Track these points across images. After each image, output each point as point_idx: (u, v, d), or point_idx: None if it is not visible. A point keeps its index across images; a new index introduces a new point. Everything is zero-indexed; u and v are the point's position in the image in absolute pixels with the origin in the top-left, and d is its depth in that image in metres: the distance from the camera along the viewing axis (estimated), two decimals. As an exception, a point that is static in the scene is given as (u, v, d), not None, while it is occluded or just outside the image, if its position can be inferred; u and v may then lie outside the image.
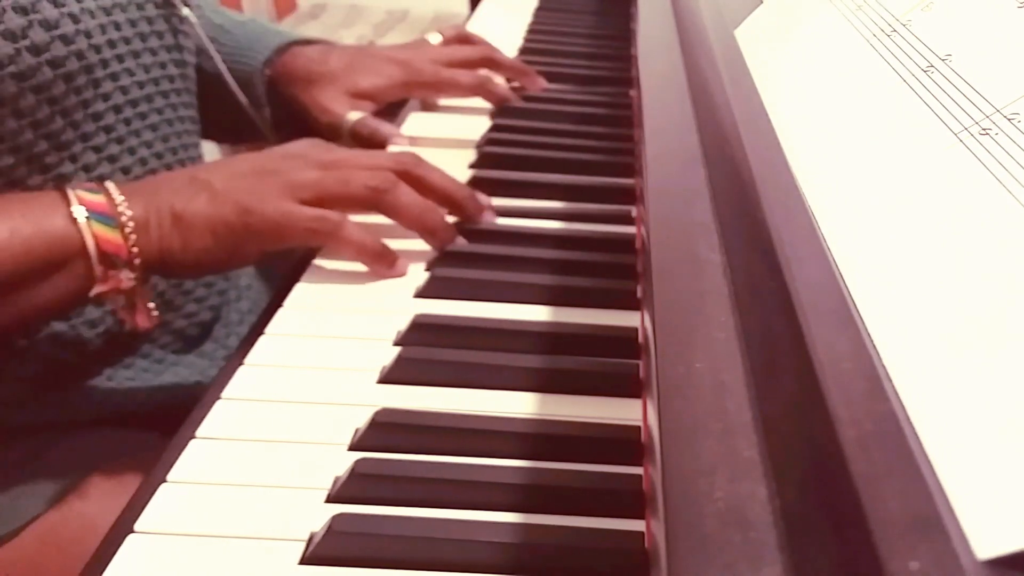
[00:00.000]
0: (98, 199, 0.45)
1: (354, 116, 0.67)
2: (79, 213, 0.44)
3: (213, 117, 0.68)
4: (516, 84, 0.78)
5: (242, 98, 0.68)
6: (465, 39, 0.77)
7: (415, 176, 0.52)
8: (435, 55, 0.72)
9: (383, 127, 0.67)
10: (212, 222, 0.46)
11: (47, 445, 0.55)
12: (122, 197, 0.45)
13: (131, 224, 0.45)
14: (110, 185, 0.46)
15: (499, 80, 0.76)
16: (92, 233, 0.44)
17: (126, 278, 0.45)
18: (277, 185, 0.48)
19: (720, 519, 0.22)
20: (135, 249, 0.45)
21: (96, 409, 0.56)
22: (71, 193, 0.44)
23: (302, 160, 0.50)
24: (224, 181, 0.48)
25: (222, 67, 0.65)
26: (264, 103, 0.70)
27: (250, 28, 0.73)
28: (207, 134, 0.69)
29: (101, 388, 0.56)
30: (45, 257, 0.43)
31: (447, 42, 0.76)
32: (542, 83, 0.78)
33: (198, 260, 0.47)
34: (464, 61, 0.73)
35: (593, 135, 0.70)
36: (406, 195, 0.51)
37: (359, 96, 0.68)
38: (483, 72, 0.74)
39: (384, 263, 0.51)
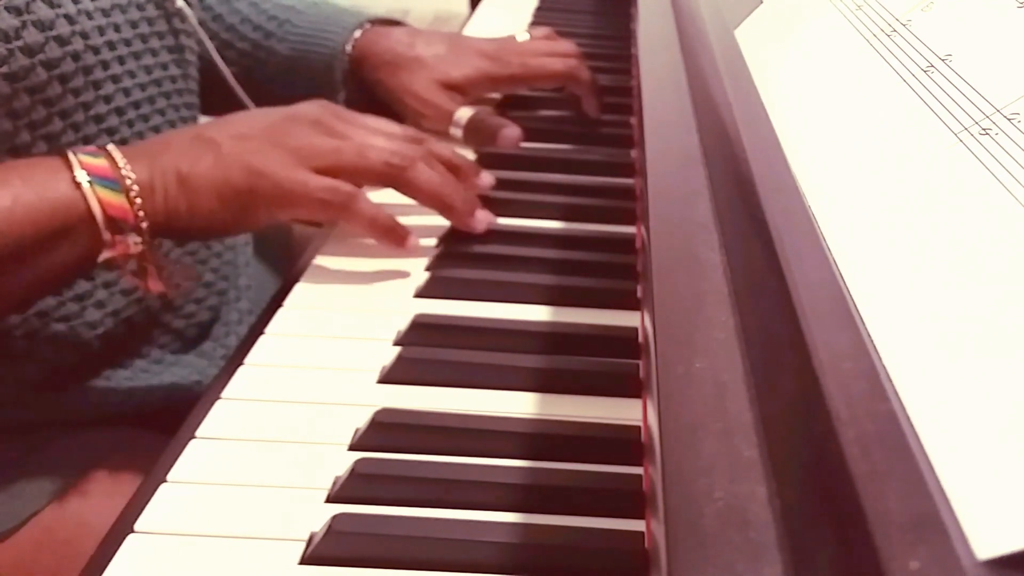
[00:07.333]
0: (100, 163, 0.44)
1: (465, 113, 0.65)
2: (82, 178, 0.43)
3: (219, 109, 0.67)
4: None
5: (240, 93, 0.67)
6: (552, 37, 0.75)
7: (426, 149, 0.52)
8: (521, 48, 0.71)
9: (501, 122, 0.65)
10: (218, 184, 0.46)
11: (44, 444, 0.55)
12: (125, 160, 0.44)
13: (135, 188, 0.44)
14: (112, 148, 0.45)
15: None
16: (97, 198, 0.43)
17: (133, 242, 0.44)
18: (289, 150, 0.47)
19: (720, 519, 0.22)
20: (141, 213, 0.44)
21: (94, 409, 0.56)
22: (73, 157, 0.43)
23: (315, 126, 0.49)
24: (231, 142, 0.47)
25: (221, 65, 0.65)
26: (340, 87, 0.68)
27: (323, 8, 0.71)
28: None
29: (99, 388, 0.56)
30: (49, 224, 0.42)
31: (535, 39, 0.74)
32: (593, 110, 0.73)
33: (205, 223, 0.47)
34: (552, 52, 0.71)
35: (593, 135, 0.70)
36: (424, 171, 0.50)
37: (450, 87, 0.66)
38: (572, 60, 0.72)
39: (394, 239, 0.50)
